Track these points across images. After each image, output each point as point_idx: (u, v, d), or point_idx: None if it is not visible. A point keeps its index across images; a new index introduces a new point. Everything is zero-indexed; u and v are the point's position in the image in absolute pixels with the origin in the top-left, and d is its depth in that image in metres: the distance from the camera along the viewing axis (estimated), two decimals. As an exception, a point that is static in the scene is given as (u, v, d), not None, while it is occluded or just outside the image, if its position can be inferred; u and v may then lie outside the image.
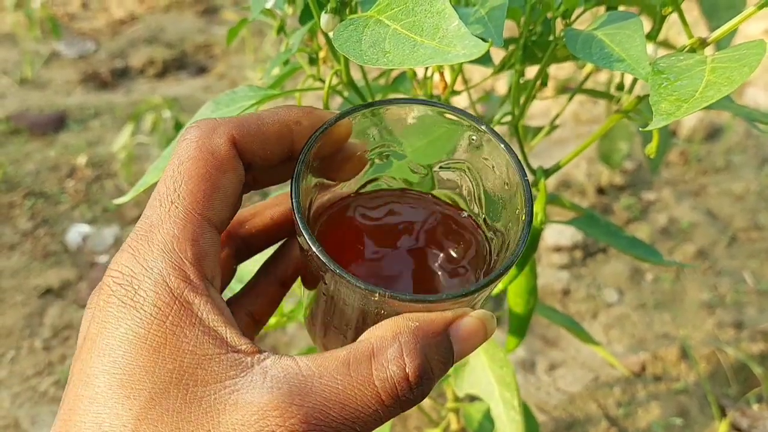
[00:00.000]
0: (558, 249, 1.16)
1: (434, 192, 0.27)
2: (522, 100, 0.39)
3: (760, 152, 1.53)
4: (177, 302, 0.18)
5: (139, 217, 1.31)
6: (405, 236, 0.25)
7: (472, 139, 0.24)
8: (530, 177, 0.43)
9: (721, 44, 0.51)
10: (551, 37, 0.34)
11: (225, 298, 0.24)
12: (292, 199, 0.21)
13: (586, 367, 0.94)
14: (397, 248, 0.24)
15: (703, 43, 0.30)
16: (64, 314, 0.95)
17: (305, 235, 0.20)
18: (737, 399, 0.89)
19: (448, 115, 0.24)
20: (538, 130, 0.51)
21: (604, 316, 1.04)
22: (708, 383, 0.91)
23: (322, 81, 0.37)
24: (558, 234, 1.17)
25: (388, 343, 0.19)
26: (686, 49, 0.30)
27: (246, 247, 0.25)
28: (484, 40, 0.21)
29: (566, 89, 0.95)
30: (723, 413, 0.86)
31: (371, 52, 0.22)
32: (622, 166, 1.23)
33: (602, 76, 1.70)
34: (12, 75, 1.66)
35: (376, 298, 0.19)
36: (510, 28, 0.40)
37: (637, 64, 0.26)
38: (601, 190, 1.34)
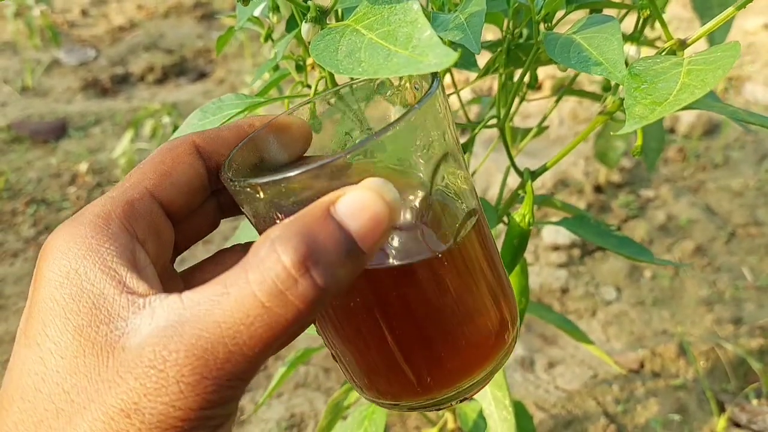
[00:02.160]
0: (556, 248, 1.17)
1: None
2: (508, 102, 0.40)
3: (759, 148, 1.52)
4: (85, 243, 0.19)
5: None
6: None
7: (330, 102, 0.28)
8: (517, 178, 0.43)
9: (715, 41, 0.52)
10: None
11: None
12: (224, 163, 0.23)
13: (584, 365, 0.94)
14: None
15: (682, 44, 0.30)
16: (66, 320, 0.96)
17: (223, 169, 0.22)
18: (736, 394, 0.89)
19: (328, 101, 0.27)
20: (529, 130, 0.51)
21: (602, 313, 1.04)
22: (707, 379, 0.91)
23: (310, 87, 0.38)
24: (555, 233, 1.17)
25: (260, 246, 0.17)
26: (665, 52, 0.30)
27: (233, 203, 0.25)
28: (455, 49, 0.21)
29: (562, 89, 0.96)
30: (722, 409, 0.86)
31: (347, 61, 0.23)
32: (618, 164, 1.24)
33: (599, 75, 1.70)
34: (13, 83, 1.67)
35: (259, 196, 0.19)
36: (497, 31, 0.41)
37: (614, 67, 0.27)
38: (598, 188, 1.34)
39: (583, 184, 1.34)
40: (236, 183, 0.20)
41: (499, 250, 0.45)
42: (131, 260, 0.19)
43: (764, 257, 1.17)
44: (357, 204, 0.17)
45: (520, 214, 0.42)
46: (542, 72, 1.78)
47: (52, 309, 0.18)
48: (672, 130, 1.58)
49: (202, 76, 1.88)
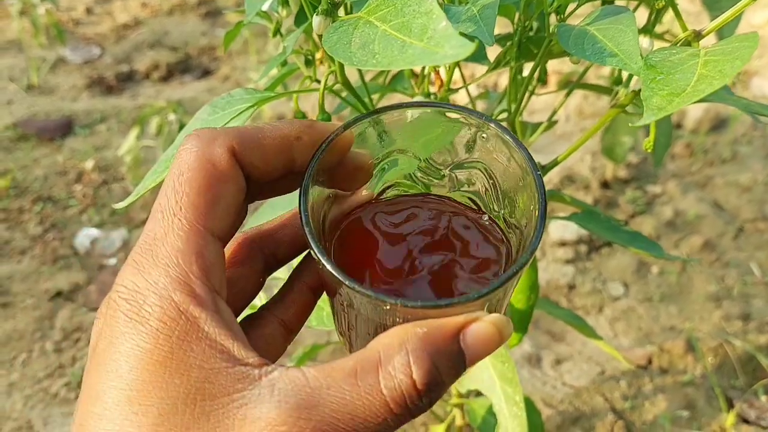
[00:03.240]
0: (563, 243, 1.16)
1: (453, 194, 0.27)
2: (518, 96, 0.39)
3: (767, 143, 1.51)
4: (183, 317, 0.18)
5: (146, 220, 1.31)
6: (424, 242, 0.24)
7: (482, 137, 0.24)
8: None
9: (724, 35, 0.51)
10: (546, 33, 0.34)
11: (257, 307, 0.25)
12: (300, 213, 0.21)
13: (592, 361, 0.94)
14: (416, 254, 0.24)
15: (697, 35, 0.30)
16: (75, 317, 0.97)
17: (314, 248, 0.20)
18: (744, 390, 0.88)
19: (449, 114, 0.24)
20: (538, 125, 0.51)
21: (609, 309, 1.04)
22: (715, 375, 0.90)
23: (319, 82, 0.37)
24: (563, 228, 1.16)
25: (395, 351, 0.18)
26: (680, 43, 0.30)
27: (275, 259, 0.25)
28: (471, 39, 0.21)
29: (569, 84, 0.95)
30: (730, 405, 0.86)
31: (360, 53, 0.22)
32: (625, 160, 1.23)
33: (606, 70, 1.69)
34: (19, 82, 1.68)
35: (387, 308, 0.19)
36: (507, 24, 0.40)
37: (629, 58, 0.26)
38: (605, 184, 1.33)
39: (590, 179, 1.34)
40: (372, 296, 0.19)
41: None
42: (227, 325, 0.19)
43: (773, 253, 1.16)
44: (483, 337, 0.19)
45: (531, 208, 0.41)
46: (549, 68, 1.77)
47: (148, 389, 0.17)
48: (679, 126, 1.56)
49: (206, 73, 1.88)
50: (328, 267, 0.19)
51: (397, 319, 0.20)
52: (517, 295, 0.49)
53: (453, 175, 0.27)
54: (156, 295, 0.18)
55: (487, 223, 0.25)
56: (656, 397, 0.88)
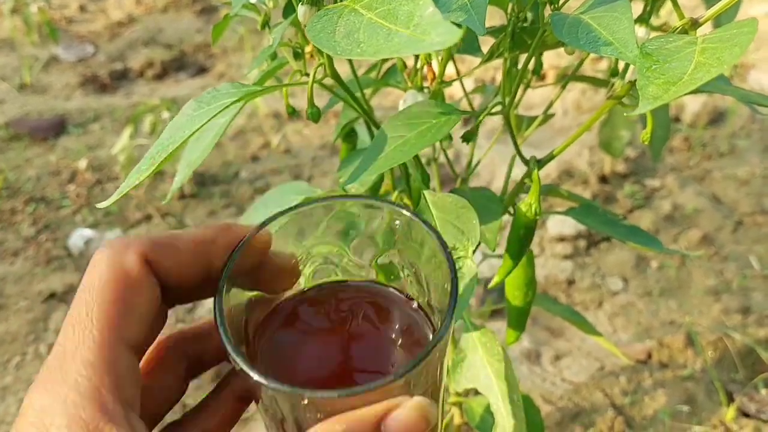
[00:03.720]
0: (561, 239, 1.15)
1: (376, 280, 0.27)
2: (513, 88, 0.38)
3: (766, 136, 1.50)
4: None
5: (142, 220, 1.30)
6: (349, 332, 0.24)
7: (396, 224, 0.24)
8: (523, 167, 0.42)
9: (722, 22, 0.50)
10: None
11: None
12: (215, 317, 0.20)
13: (591, 357, 0.94)
14: (341, 346, 0.24)
15: (694, 23, 0.29)
16: (69, 318, 0.96)
17: (228, 350, 0.19)
18: (744, 384, 0.88)
19: (369, 205, 0.24)
20: (533, 119, 0.50)
21: (609, 305, 1.03)
22: (715, 369, 0.90)
23: (309, 76, 0.36)
24: (561, 224, 1.16)
25: None
26: (677, 31, 0.29)
27: (201, 363, 0.24)
28: (459, 26, 0.20)
29: (567, 76, 0.94)
30: (730, 399, 0.85)
31: (345, 42, 0.21)
32: (623, 154, 1.22)
33: (604, 64, 1.68)
34: (11, 81, 1.66)
35: (305, 402, 0.18)
36: (502, 17, 0.39)
37: (625, 47, 0.26)
38: (603, 179, 1.32)
39: (588, 174, 1.33)
40: (280, 390, 0.18)
41: (506, 240, 0.44)
42: None
43: (772, 246, 1.16)
44: (405, 425, 0.18)
45: (527, 203, 0.40)
46: (546, 62, 1.76)
47: None
48: (677, 119, 1.56)
49: (202, 70, 1.87)
50: (241, 365, 0.19)
51: (319, 415, 0.19)
52: (514, 292, 0.49)
53: (376, 263, 0.26)
54: (63, 414, 0.17)
55: (412, 307, 0.25)
56: (656, 392, 0.87)
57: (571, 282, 1.07)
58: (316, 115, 0.35)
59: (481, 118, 0.38)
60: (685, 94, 0.28)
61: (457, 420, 0.65)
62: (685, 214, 1.24)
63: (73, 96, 1.61)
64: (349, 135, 0.53)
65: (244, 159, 1.40)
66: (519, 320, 0.50)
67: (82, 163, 1.28)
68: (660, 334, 0.97)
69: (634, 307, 1.03)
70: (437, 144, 0.53)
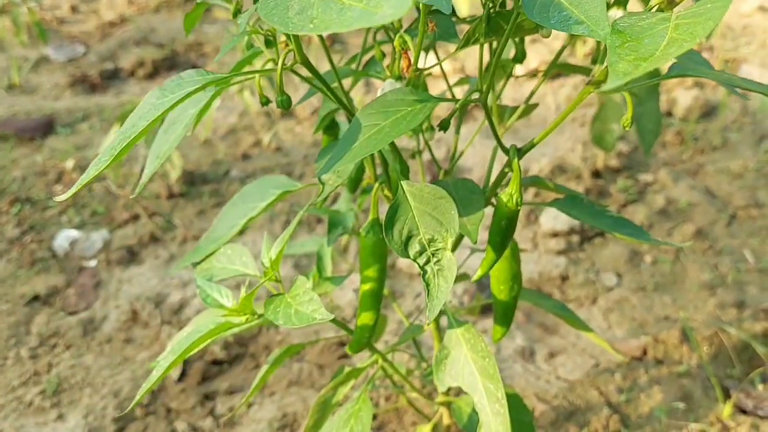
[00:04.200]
0: (554, 234, 1.14)
1: None
2: (491, 73, 0.37)
3: (758, 129, 1.49)
4: None
5: (130, 220, 1.28)
6: None
7: None
8: (503, 156, 0.41)
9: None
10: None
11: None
12: None
13: (586, 354, 0.92)
14: None
15: (671, 2, 0.28)
16: (51, 322, 0.94)
17: None
18: (741, 380, 0.86)
19: None
20: (515, 109, 0.49)
21: (603, 300, 1.02)
22: (711, 365, 0.89)
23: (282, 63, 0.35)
24: (554, 219, 1.15)
25: None
26: (654, 10, 0.28)
27: None
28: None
29: (553, 65, 0.93)
30: (727, 395, 0.84)
31: (298, 19, 0.20)
32: (615, 148, 1.21)
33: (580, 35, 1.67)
34: (-1, 82, 1.65)
35: None
36: (475, 6, 0.38)
37: (596, 25, 0.25)
38: (596, 174, 1.31)
39: (581, 169, 1.32)
40: None
41: (488, 232, 0.43)
42: None
43: (766, 239, 1.15)
44: None
45: (508, 194, 0.39)
46: (537, 57, 1.75)
47: None
48: (669, 114, 1.55)
49: (195, 69, 1.85)
50: None
51: None
52: (498, 286, 0.48)
53: None
54: None
55: None
56: (652, 389, 0.86)
57: (564, 278, 1.06)
58: (286, 102, 0.34)
59: (458, 105, 0.36)
60: (666, 77, 0.27)
61: (445, 420, 0.64)
62: (678, 208, 1.23)
63: (62, 96, 1.60)
64: (330, 127, 0.52)
65: (235, 157, 1.39)
66: (505, 316, 0.49)
67: (69, 163, 1.27)
68: (655, 330, 0.96)
69: (629, 303, 1.02)
70: (421, 138, 0.52)
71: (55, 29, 2.07)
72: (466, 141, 1.55)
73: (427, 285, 0.37)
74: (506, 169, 0.40)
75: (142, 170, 1.28)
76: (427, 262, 0.37)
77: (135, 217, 1.16)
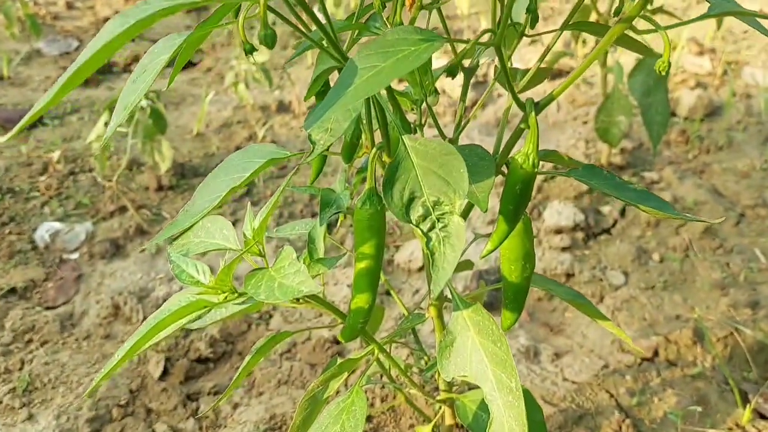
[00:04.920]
0: (558, 231, 1.10)
1: None
2: (505, 8, 0.33)
3: (763, 130, 1.46)
4: None
5: (116, 212, 1.22)
6: None
7: None
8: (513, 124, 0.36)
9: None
10: None
11: None
12: None
13: (593, 354, 0.87)
14: None
15: None
16: (27, 316, 0.89)
17: None
18: (758, 383, 0.81)
19: None
20: (526, 71, 0.44)
21: (610, 299, 0.97)
22: (726, 367, 0.84)
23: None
24: (557, 215, 1.10)
25: None
26: None
27: None
28: None
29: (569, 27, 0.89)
30: (745, 399, 0.79)
31: None
32: (620, 142, 1.17)
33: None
34: (-13, 73, 1.60)
35: None
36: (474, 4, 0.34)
37: None
38: (602, 171, 1.27)
39: (585, 166, 1.28)
40: None
41: (500, 199, 0.38)
42: None
43: (779, 238, 1.10)
44: None
45: (523, 153, 0.35)
46: (535, 57, 1.72)
47: None
48: (673, 113, 1.52)
49: (190, 65, 1.82)
50: None
51: None
52: (509, 265, 0.43)
53: None
54: None
55: None
56: (665, 392, 0.81)
57: (570, 275, 1.02)
58: (270, 38, 0.30)
59: (469, 45, 0.32)
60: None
61: (448, 420, 0.58)
62: (685, 206, 1.19)
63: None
64: (324, 92, 0.47)
65: (228, 151, 1.34)
66: (516, 300, 0.44)
67: (56, 155, 1.22)
68: (666, 330, 0.91)
69: (637, 302, 0.97)
70: (424, 108, 0.48)
71: (50, 24, 2.03)
72: (469, 137, 1.50)
73: (432, 254, 0.32)
74: (522, 125, 0.35)
75: (129, 162, 1.23)
76: (432, 227, 0.32)
77: (121, 209, 1.11)
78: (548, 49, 0.39)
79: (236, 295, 0.38)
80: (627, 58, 1.44)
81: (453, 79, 0.35)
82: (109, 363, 0.34)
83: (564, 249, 1.06)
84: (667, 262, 1.05)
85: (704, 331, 0.89)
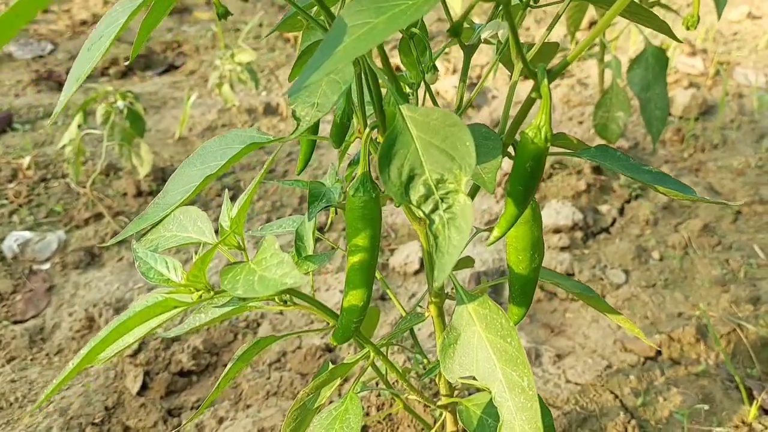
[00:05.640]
0: (557, 230, 1.07)
1: None
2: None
3: (757, 128, 1.46)
4: None
5: (90, 219, 1.17)
6: None
7: None
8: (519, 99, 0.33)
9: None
10: None
11: None
12: None
13: (596, 355, 0.84)
14: None
15: None
16: (-7, 326, 0.83)
17: None
18: (761, 379, 0.79)
19: None
20: (533, 45, 0.41)
21: (611, 298, 0.94)
22: (730, 364, 0.81)
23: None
24: (556, 214, 1.07)
25: None
26: None
27: None
28: None
29: None
30: (750, 395, 0.76)
31: None
32: (619, 138, 1.15)
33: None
34: (-43, 78, 1.54)
35: None
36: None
37: None
38: (597, 169, 1.25)
39: (582, 164, 1.26)
40: None
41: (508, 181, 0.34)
42: None
43: (777, 233, 1.09)
44: None
45: (535, 126, 0.31)
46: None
47: None
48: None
49: (172, 68, 1.77)
50: None
51: None
52: (516, 255, 0.39)
53: None
54: None
55: None
56: (670, 392, 0.78)
57: (569, 274, 0.98)
58: (223, 14, 0.26)
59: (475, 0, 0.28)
60: None
61: (449, 427, 0.54)
62: (683, 204, 1.17)
63: (23, 93, 1.49)
64: (309, 72, 0.43)
65: (211, 155, 1.29)
66: (524, 293, 0.41)
67: (26, 161, 1.16)
68: (669, 328, 0.88)
69: (639, 300, 0.94)
70: (423, 83, 0.44)
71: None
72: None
73: (435, 238, 0.28)
74: (533, 94, 0.31)
75: (105, 167, 1.17)
76: (435, 209, 0.29)
77: (97, 216, 1.05)
78: (558, 17, 0.36)
79: (212, 293, 0.33)
80: (624, 57, 1.43)
81: (458, 37, 0.32)
82: (62, 373, 0.29)
83: (563, 249, 1.03)
84: (667, 260, 1.03)
85: (708, 328, 0.86)
